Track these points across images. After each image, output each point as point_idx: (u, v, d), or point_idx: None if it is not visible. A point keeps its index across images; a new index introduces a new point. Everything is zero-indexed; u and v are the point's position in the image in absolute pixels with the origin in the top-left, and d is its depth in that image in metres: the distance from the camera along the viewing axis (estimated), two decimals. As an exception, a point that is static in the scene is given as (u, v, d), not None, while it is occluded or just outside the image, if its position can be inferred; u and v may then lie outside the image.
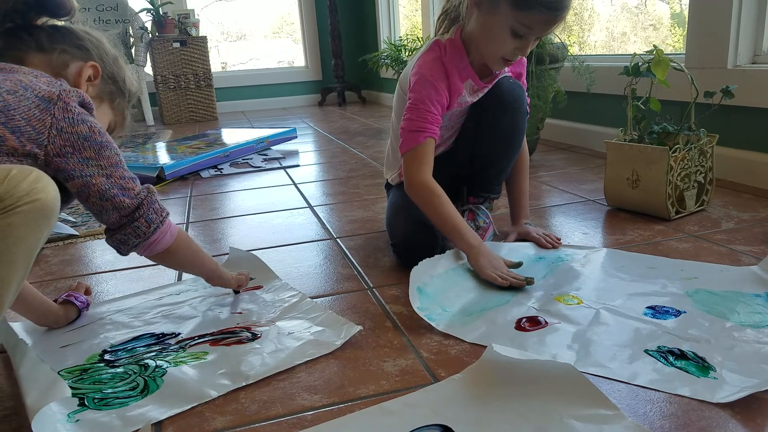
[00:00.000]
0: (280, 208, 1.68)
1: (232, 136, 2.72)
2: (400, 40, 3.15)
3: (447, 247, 1.12)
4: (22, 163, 0.70)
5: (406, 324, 0.92)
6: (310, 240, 1.38)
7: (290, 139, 2.76)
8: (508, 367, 0.72)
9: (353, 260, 1.23)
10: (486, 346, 0.76)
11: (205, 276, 0.99)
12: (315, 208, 1.66)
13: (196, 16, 4.07)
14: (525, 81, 1.26)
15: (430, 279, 1.01)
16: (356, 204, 1.67)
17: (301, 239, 1.39)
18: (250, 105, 4.78)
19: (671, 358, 0.77)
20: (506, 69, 1.18)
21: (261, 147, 2.57)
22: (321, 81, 4.90)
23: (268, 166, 2.31)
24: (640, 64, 1.36)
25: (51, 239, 1.44)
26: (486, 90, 1.17)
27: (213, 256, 1.32)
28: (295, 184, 1.97)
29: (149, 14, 3.95)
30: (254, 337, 0.89)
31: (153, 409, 0.73)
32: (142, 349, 0.88)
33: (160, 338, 0.92)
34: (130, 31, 3.90)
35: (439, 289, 1.00)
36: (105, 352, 0.88)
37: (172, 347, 0.88)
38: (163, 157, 2.35)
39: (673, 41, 2.63)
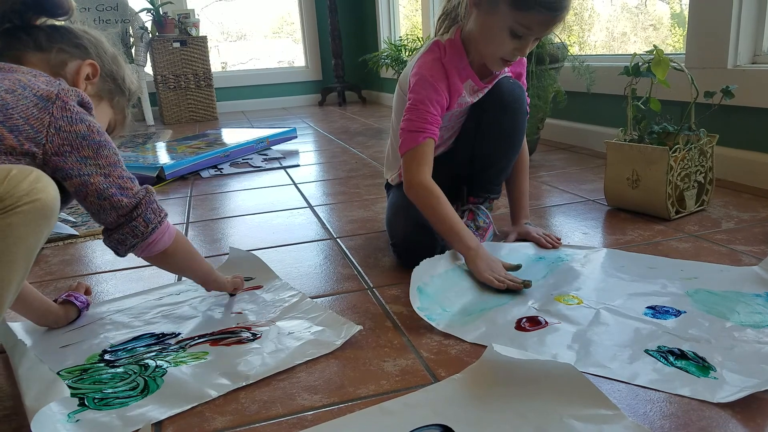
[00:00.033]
0: (280, 208, 1.68)
1: (232, 136, 2.72)
2: (400, 40, 3.15)
3: (447, 248, 1.12)
4: (20, 162, 0.70)
5: (406, 324, 0.92)
6: (310, 240, 1.38)
7: (290, 139, 2.76)
8: (509, 367, 0.72)
9: (353, 260, 1.23)
10: (486, 346, 0.76)
11: (201, 280, 0.98)
12: (315, 208, 1.66)
13: (196, 16, 4.07)
14: (525, 81, 1.26)
15: (430, 279, 1.01)
16: (356, 204, 1.67)
17: (301, 239, 1.39)
18: (250, 105, 4.78)
19: (671, 358, 0.77)
20: (506, 69, 1.18)
21: (261, 147, 2.57)
22: (321, 81, 4.90)
23: (268, 166, 2.31)
24: (640, 64, 1.36)
25: (51, 239, 1.44)
26: (486, 90, 1.17)
27: (213, 256, 1.32)
28: (295, 184, 1.98)
29: (149, 14, 3.95)
30: (254, 337, 0.89)
31: (153, 409, 0.73)
32: (142, 349, 0.88)
33: (160, 338, 0.92)
34: (130, 31, 3.90)
35: (439, 289, 1.00)
36: (105, 352, 0.88)
37: (172, 347, 0.88)
38: (163, 157, 2.35)
39: (673, 41, 2.63)
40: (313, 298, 1.03)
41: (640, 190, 1.36)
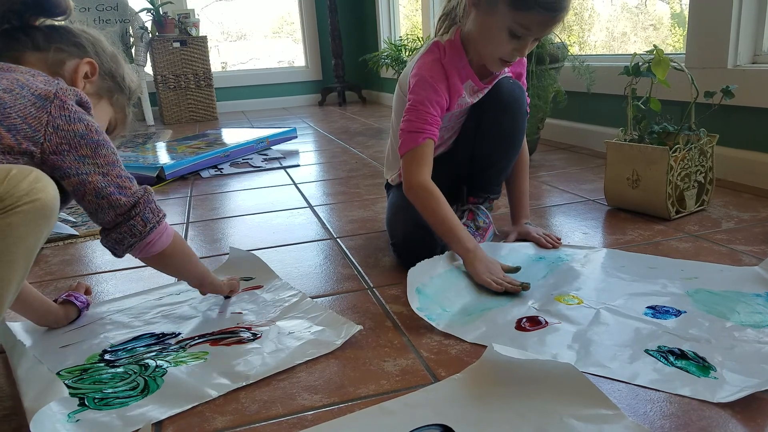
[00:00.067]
0: (280, 208, 1.68)
1: (232, 136, 2.72)
2: (400, 40, 3.15)
3: (447, 248, 1.12)
4: (19, 161, 0.70)
5: (407, 324, 0.92)
6: (311, 240, 1.38)
7: (290, 139, 2.76)
8: (509, 367, 0.72)
9: (353, 260, 1.23)
10: (486, 346, 0.76)
11: (197, 282, 0.97)
12: (315, 208, 1.66)
13: (196, 16, 4.07)
14: (525, 81, 1.26)
15: (429, 280, 1.01)
16: (356, 204, 1.67)
17: (302, 239, 1.39)
18: (250, 105, 4.78)
19: (671, 358, 0.77)
20: (506, 69, 1.18)
21: (261, 147, 2.57)
22: (321, 81, 4.90)
23: (268, 166, 2.31)
24: (640, 64, 1.36)
25: (51, 239, 1.44)
26: (486, 90, 1.17)
27: (213, 256, 1.32)
28: (295, 184, 1.97)
29: (149, 14, 3.95)
30: (254, 336, 0.89)
31: (153, 409, 0.73)
32: (142, 349, 0.88)
33: (160, 338, 0.92)
34: (130, 31, 3.90)
35: (438, 290, 1.00)
36: (105, 352, 0.88)
37: (172, 347, 0.88)
38: (163, 157, 2.35)
39: (673, 41, 2.63)
40: (313, 297, 1.03)
41: (640, 190, 1.36)
